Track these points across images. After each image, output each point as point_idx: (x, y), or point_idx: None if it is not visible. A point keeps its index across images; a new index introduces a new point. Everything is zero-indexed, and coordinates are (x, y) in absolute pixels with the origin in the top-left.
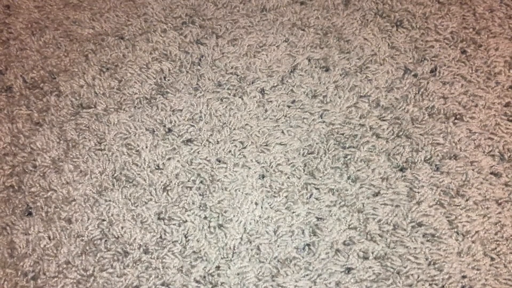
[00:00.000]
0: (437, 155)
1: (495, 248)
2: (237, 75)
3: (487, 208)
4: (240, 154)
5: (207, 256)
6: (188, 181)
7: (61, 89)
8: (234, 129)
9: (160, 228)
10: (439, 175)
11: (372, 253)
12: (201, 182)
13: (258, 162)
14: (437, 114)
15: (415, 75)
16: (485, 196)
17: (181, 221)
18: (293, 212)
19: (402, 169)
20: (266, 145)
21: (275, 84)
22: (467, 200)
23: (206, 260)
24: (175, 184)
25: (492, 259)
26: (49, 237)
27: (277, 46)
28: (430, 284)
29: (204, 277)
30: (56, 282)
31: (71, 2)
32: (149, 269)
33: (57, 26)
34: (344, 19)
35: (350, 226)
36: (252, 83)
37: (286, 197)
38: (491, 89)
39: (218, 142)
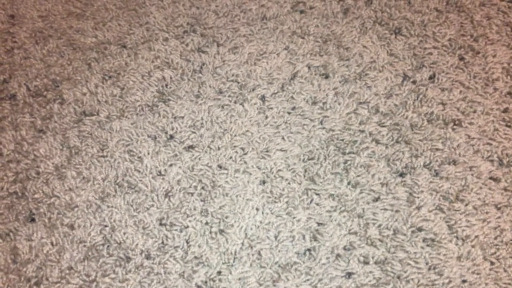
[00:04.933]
0: (436, 161)
1: (495, 253)
2: (238, 83)
3: (487, 212)
4: (241, 160)
5: (209, 261)
6: (190, 187)
7: (64, 97)
8: (235, 135)
9: (162, 233)
10: (439, 180)
11: (373, 258)
12: (203, 188)
13: (258, 168)
14: (436, 120)
15: (414, 82)
16: (484, 201)
17: (182, 226)
18: (294, 218)
19: (401, 175)
20: (267, 151)
21: (276, 91)
22: (466, 205)
23: (208, 265)
24: (176, 190)
25: (492, 263)
26: (52, 243)
27: (277, 54)
28: None
29: (206, 282)
30: None
31: (74, 11)
32: (151, 275)
33: (61, 35)
34: (343, 27)
35: (351, 231)
36: (253, 90)
37: (286, 202)
38: (489, 95)
39: (219, 149)
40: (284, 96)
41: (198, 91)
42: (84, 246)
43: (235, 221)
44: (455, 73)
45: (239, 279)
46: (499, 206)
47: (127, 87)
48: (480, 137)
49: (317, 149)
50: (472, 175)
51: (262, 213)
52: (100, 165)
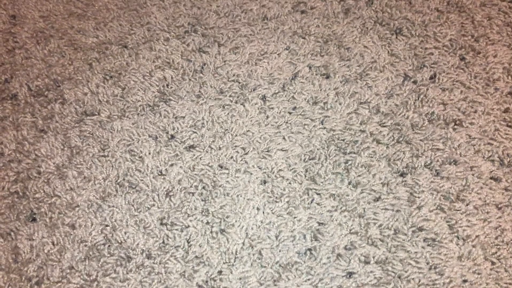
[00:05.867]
0: (437, 161)
1: (496, 252)
2: (239, 83)
3: (487, 212)
4: (242, 160)
5: (209, 261)
6: (191, 186)
7: (66, 96)
8: (236, 135)
9: (163, 233)
10: (439, 180)
11: (373, 257)
12: (204, 187)
13: (259, 168)
14: (437, 120)
15: (414, 82)
16: (485, 201)
17: (183, 226)
18: (295, 217)
19: (402, 174)
20: (268, 151)
21: (277, 91)
22: (467, 205)
23: (209, 265)
24: (177, 189)
25: (493, 263)
26: (53, 243)
27: (278, 54)
28: None
29: (207, 282)
30: (60, 287)
31: (75, 11)
32: (152, 274)
33: (62, 35)
34: (344, 27)
35: (351, 231)
36: (254, 90)
37: (287, 202)
38: (490, 95)
39: (220, 148)
40: (285, 96)
41: (199, 91)
42: (85, 245)
43: (236, 221)
44: (456, 73)
45: (240, 278)
46: (500, 206)
47: (128, 87)
48: (481, 137)
49: (318, 149)
50: (473, 175)
51: (263, 212)
52: (101, 164)
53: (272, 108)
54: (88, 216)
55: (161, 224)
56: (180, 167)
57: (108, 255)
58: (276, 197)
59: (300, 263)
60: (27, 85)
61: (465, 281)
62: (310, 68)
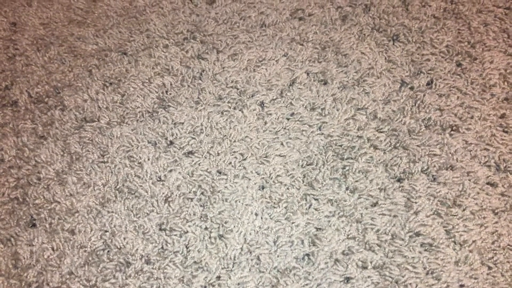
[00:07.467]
0: (434, 166)
1: (492, 257)
2: (237, 89)
3: (484, 217)
4: (240, 165)
5: (208, 266)
6: (189, 192)
7: (65, 103)
8: (234, 141)
9: (162, 238)
10: (436, 185)
11: (371, 262)
12: (202, 193)
13: (258, 174)
14: (434, 125)
15: (411, 88)
16: (481, 206)
17: (182, 231)
18: (293, 223)
19: (399, 180)
20: (266, 157)
21: (275, 97)
22: (464, 210)
23: (207, 270)
24: (176, 195)
25: (490, 268)
26: (52, 248)
27: (276, 61)
28: None
29: (205, 287)
30: None
31: (75, 19)
32: (151, 279)
33: (62, 42)
34: (342, 34)
35: (349, 236)
36: (252, 96)
37: (285, 207)
38: (486, 101)
39: (218, 154)
40: (283, 102)
41: (198, 97)
42: (85, 251)
43: (234, 226)
44: (452, 79)
45: (238, 284)
46: (496, 211)
47: (128, 94)
48: (477, 142)
49: (315, 155)
50: (469, 180)
51: (261, 218)
52: (100, 170)
53: (270, 114)
54: (88, 222)
55: (160, 229)
56: (179, 173)
57: (107, 261)
58: (274, 203)
59: (298, 268)
60: (27, 92)
61: (462, 285)
62: (308, 74)
